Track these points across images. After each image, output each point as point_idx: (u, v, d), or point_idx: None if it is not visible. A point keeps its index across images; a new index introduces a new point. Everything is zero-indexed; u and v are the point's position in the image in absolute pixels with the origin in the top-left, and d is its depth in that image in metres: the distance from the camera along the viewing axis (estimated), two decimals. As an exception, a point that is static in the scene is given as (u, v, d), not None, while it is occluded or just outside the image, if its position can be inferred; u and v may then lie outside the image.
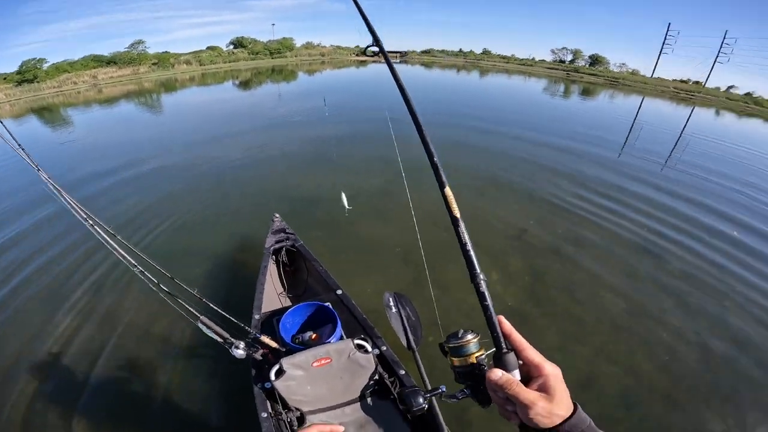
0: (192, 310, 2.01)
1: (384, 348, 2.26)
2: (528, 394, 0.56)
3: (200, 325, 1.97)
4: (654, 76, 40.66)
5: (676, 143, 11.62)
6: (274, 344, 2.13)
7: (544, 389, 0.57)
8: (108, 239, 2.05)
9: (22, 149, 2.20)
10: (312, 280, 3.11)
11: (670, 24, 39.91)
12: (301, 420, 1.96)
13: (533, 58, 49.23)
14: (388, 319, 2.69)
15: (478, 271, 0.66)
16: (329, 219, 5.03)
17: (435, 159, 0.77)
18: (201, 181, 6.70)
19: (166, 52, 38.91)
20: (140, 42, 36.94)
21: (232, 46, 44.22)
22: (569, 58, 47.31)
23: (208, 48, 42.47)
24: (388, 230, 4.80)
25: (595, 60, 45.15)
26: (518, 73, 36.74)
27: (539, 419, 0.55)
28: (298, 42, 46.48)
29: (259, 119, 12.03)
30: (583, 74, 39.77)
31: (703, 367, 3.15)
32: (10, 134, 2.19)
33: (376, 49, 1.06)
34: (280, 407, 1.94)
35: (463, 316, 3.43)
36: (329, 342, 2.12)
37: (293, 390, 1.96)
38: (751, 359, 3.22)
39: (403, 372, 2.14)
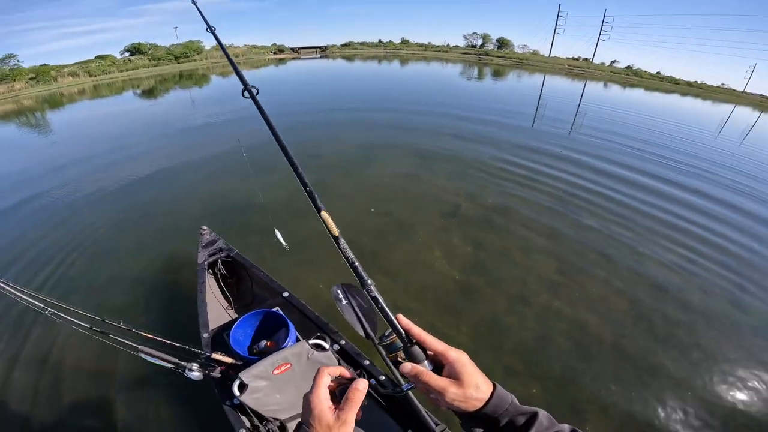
0: (129, 342, 1.88)
1: (343, 342, 2.24)
2: (438, 381, 0.58)
3: (143, 356, 1.86)
4: (552, 55, 45.19)
5: (576, 113, 13.13)
6: (229, 360, 2.08)
7: (452, 375, 0.59)
8: (7, 288, 1.82)
9: None
10: (257, 287, 2.99)
11: (560, 5, 44.50)
12: (283, 428, 1.91)
13: (448, 45, 51.67)
14: (341, 312, 2.66)
15: (366, 277, 0.71)
16: (261, 222, 4.78)
17: (309, 187, 0.85)
18: (111, 202, 5.91)
19: (44, 64, 33.68)
20: (11, 56, 31.61)
21: (127, 54, 39.91)
22: (479, 42, 50.50)
23: (97, 57, 37.66)
24: (321, 224, 4.72)
25: (501, 43, 48.82)
26: (436, 60, 38.28)
27: (458, 404, 0.57)
28: (208, 45, 43.15)
29: (173, 127, 11.02)
30: (493, 57, 42.88)
31: (635, 312, 3.54)
32: None
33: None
34: (257, 421, 1.89)
35: (412, 298, 3.52)
36: (285, 347, 2.06)
37: (263, 401, 1.89)
38: (673, 300, 3.69)
39: (367, 362, 2.14)
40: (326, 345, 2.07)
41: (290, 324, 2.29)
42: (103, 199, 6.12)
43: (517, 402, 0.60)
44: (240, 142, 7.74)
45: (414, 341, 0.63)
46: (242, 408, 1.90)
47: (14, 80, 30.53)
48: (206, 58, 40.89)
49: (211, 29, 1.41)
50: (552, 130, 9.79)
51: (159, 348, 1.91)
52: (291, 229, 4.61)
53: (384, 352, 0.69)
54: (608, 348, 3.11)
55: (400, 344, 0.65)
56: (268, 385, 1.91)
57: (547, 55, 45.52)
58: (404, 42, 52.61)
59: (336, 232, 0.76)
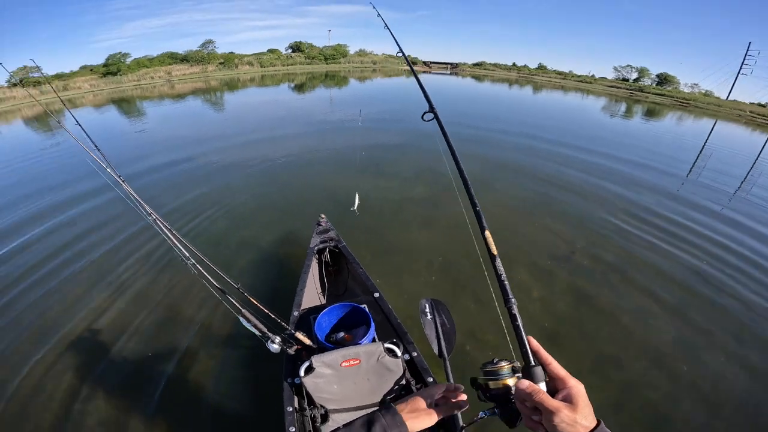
0: (235, 302, 2.07)
1: (414, 354, 2.24)
2: (553, 402, 0.61)
3: (241, 319, 2.03)
4: (730, 98, 37.14)
5: (751, 169, 10.53)
6: (308, 341, 2.19)
7: (567, 400, 0.62)
8: (167, 232, 2.14)
9: (94, 145, 2.43)
10: (351, 281, 3.16)
11: (750, 43, 36.41)
12: (325, 417, 1.99)
13: (593, 75, 46.98)
14: (422, 325, 2.69)
15: (511, 296, 0.77)
16: (374, 223, 5.12)
17: (477, 207, 0.92)
18: (255, 176, 7.10)
19: (231, 52, 41.69)
20: (210, 42, 39.93)
21: (290, 50, 46.25)
22: (633, 76, 44.57)
23: (268, 51, 44.89)
24: (431, 239, 4.80)
25: (663, 79, 42.12)
26: (575, 90, 35.20)
27: (563, 427, 0.59)
28: (352, 49, 47.90)
29: (312, 123, 12.49)
30: (649, 94, 37.23)
31: (745, 397, 2.84)
32: (87, 135, 2.43)
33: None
34: (306, 403, 1.99)
35: (495, 331, 3.36)
36: (360, 343, 2.12)
37: (320, 387, 1.98)
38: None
39: (431, 379, 2.11)
40: (398, 352, 2.08)
41: (372, 323, 2.34)
42: (249, 171, 7.37)
43: None
44: (362, 149, 8.43)
45: (538, 363, 0.68)
46: (299, 388, 1.99)
47: (208, 63, 38.79)
48: (349, 62, 45.43)
49: (397, 44, 1.57)
50: (713, 184, 8.04)
51: (255, 314, 2.07)
52: (396, 237, 4.85)
53: (485, 379, 0.71)
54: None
55: (506, 373, 0.69)
56: (332, 374, 1.98)
57: (723, 98, 37.62)
58: (541, 68, 49.77)
59: (495, 251, 0.81)
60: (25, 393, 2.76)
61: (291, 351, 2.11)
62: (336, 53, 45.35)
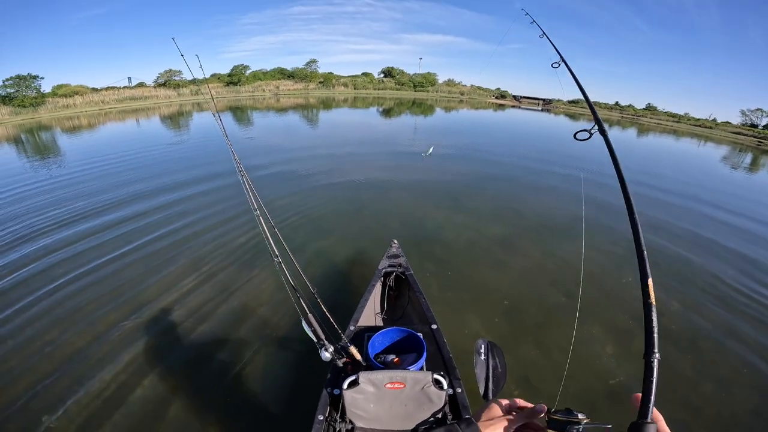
0: (304, 305, 2.16)
1: (459, 390, 2.21)
2: None
3: (303, 322, 2.11)
4: None
5: None
6: (359, 356, 2.24)
7: None
8: (265, 227, 2.30)
9: (227, 139, 2.85)
10: (411, 308, 3.21)
11: None
12: None
13: (714, 119, 41.05)
14: (474, 364, 2.63)
15: (656, 349, 0.72)
16: (444, 256, 5.12)
17: (643, 248, 0.82)
18: (338, 192, 7.65)
19: (330, 73, 45.79)
20: (314, 61, 44.51)
21: (382, 75, 49.09)
22: (765, 122, 37.88)
23: (362, 74, 48.33)
24: (501, 281, 4.63)
25: (808, 130, 35.00)
26: (690, 136, 31.07)
27: None
28: (441, 78, 48.90)
29: (395, 148, 13.04)
30: (787, 146, 31.14)
31: None
32: (224, 132, 2.86)
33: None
34: (337, 415, 2.03)
35: (551, 380, 3.10)
36: (409, 369, 2.15)
37: (357, 403, 2.02)
38: None
39: (468, 417, 2.03)
40: (444, 384, 2.06)
41: (425, 353, 2.34)
42: (334, 186, 7.97)
43: None
44: (440, 178, 8.50)
45: (653, 421, 0.65)
46: (336, 399, 2.05)
47: (310, 81, 43.06)
48: (437, 91, 46.41)
49: (571, 73, 1.61)
50: None
51: (317, 320, 2.15)
52: (464, 273, 4.78)
53: (562, 425, 0.70)
54: None
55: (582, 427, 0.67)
56: (373, 392, 2.00)
57: None
58: (649, 108, 45.08)
59: (653, 300, 0.78)
60: (98, 352, 3.34)
61: (339, 362, 2.18)
62: (425, 81, 46.60)
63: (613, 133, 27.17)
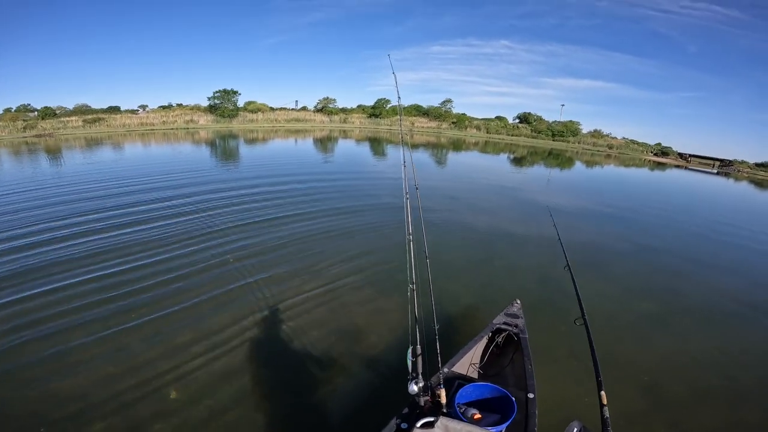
0: (417, 335, 2.21)
1: None
2: None
3: (409, 351, 2.19)
4: None
5: None
6: (443, 401, 2.22)
7: None
8: (412, 254, 2.47)
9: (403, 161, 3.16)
10: (510, 369, 3.09)
11: None
12: None
13: None
14: None
15: None
16: (562, 327, 4.54)
17: None
18: (469, 237, 7.92)
19: (463, 114, 46.54)
20: (449, 101, 46.06)
21: (517, 120, 47.13)
22: None
23: (496, 117, 47.44)
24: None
25: None
26: None
27: None
28: (585, 127, 44.39)
29: (529, 201, 12.41)
30: None
31: None
32: (410, 162, 3.14)
33: None
34: None
35: None
36: (489, 430, 2.07)
37: None
38: None
39: None
40: None
41: (511, 419, 2.24)
42: (465, 231, 8.25)
43: None
44: (586, 236, 7.65)
45: None
46: None
47: (443, 120, 44.73)
48: (579, 142, 42.05)
49: None
50: None
51: (422, 353, 2.21)
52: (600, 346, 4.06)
53: None
54: None
55: None
56: None
57: None
58: None
59: None
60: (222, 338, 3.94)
61: (421, 400, 2.19)
62: (566, 130, 42.78)
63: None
